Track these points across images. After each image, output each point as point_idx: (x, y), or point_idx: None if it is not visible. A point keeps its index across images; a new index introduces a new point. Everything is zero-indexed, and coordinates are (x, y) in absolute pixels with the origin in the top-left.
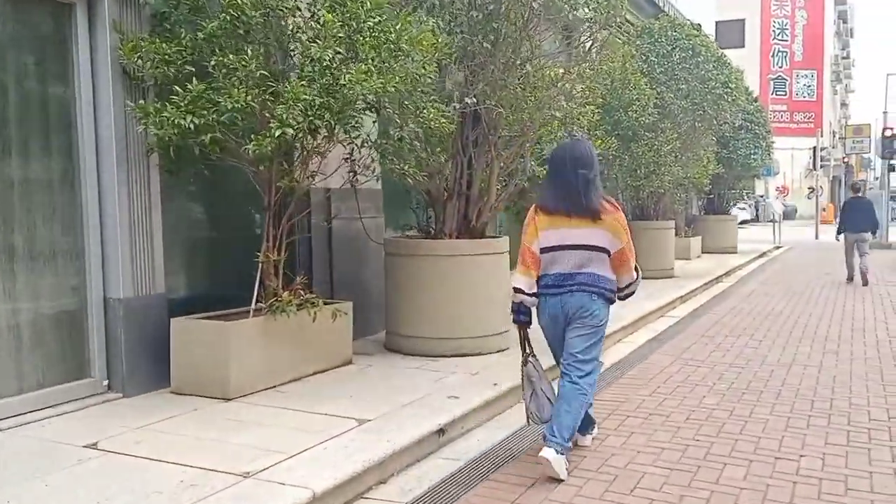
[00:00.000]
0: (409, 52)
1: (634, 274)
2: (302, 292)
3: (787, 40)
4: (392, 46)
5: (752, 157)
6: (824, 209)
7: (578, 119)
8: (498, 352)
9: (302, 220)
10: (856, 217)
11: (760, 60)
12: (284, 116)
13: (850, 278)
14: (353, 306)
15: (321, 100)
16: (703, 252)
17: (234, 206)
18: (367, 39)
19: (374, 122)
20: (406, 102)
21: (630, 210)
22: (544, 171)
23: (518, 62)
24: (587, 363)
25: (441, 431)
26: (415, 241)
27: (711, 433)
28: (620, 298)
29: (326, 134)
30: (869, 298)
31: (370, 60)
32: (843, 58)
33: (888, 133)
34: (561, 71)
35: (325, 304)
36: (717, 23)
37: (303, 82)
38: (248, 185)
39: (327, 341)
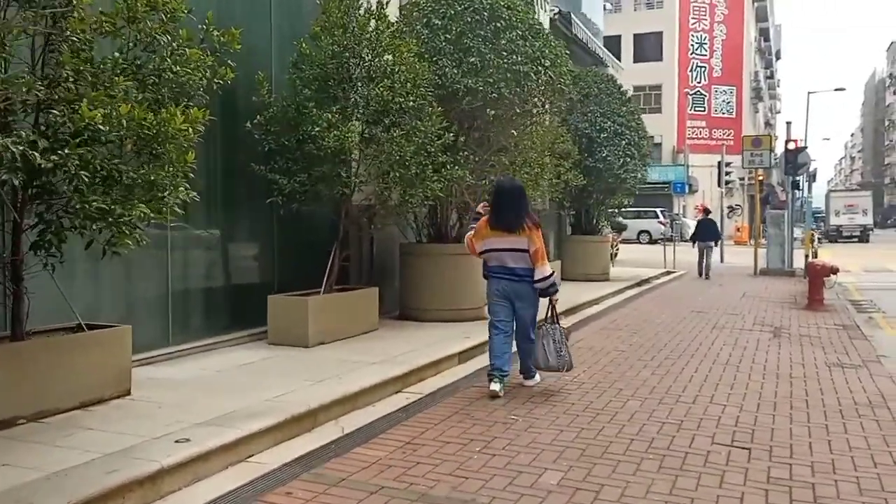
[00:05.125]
0: None
1: (547, 269)
2: None
3: (705, 55)
4: None
5: (625, 168)
6: (738, 229)
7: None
8: None
9: None
10: (704, 232)
11: (678, 74)
12: None
13: (700, 274)
14: None
15: None
16: (563, 279)
17: None
18: None
19: None
20: None
21: (416, 233)
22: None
23: None
24: (533, 326)
25: None
26: None
27: None
28: (540, 291)
29: None
30: (725, 353)
31: None
32: (768, 77)
33: (791, 146)
34: None
35: None
36: (634, 35)
37: None
38: None
39: None
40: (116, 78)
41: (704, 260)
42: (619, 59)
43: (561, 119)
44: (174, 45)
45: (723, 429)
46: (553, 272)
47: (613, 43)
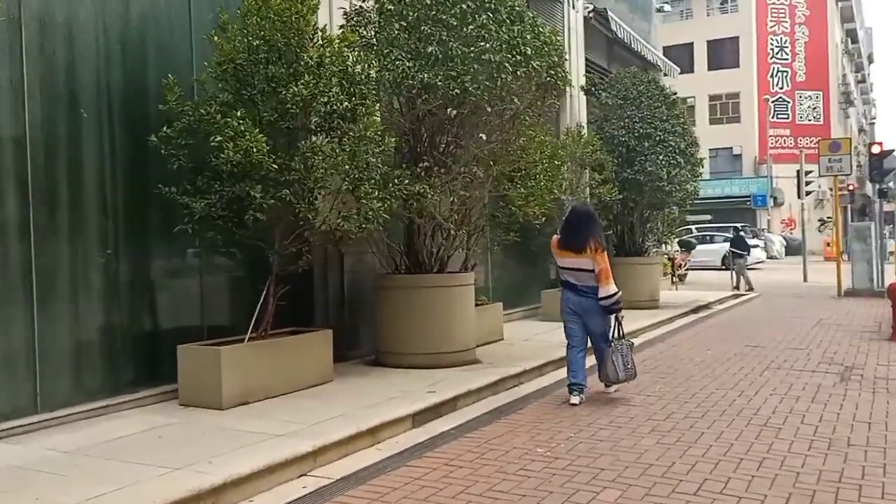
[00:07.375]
0: None
1: (611, 289)
2: None
3: (787, 59)
4: None
5: (671, 179)
6: (829, 244)
7: None
8: None
9: None
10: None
11: (758, 81)
12: None
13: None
14: None
15: None
16: None
17: None
18: None
19: None
20: None
21: (391, 262)
22: None
23: None
24: (604, 339)
25: None
26: None
27: None
28: (604, 308)
29: None
30: (769, 407)
31: None
32: (859, 81)
33: (876, 150)
34: None
35: None
36: (707, 41)
37: None
38: None
39: None
40: None
41: (736, 273)
42: (691, 67)
43: (597, 127)
44: None
45: None
46: (618, 291)
47: (685, 51)
